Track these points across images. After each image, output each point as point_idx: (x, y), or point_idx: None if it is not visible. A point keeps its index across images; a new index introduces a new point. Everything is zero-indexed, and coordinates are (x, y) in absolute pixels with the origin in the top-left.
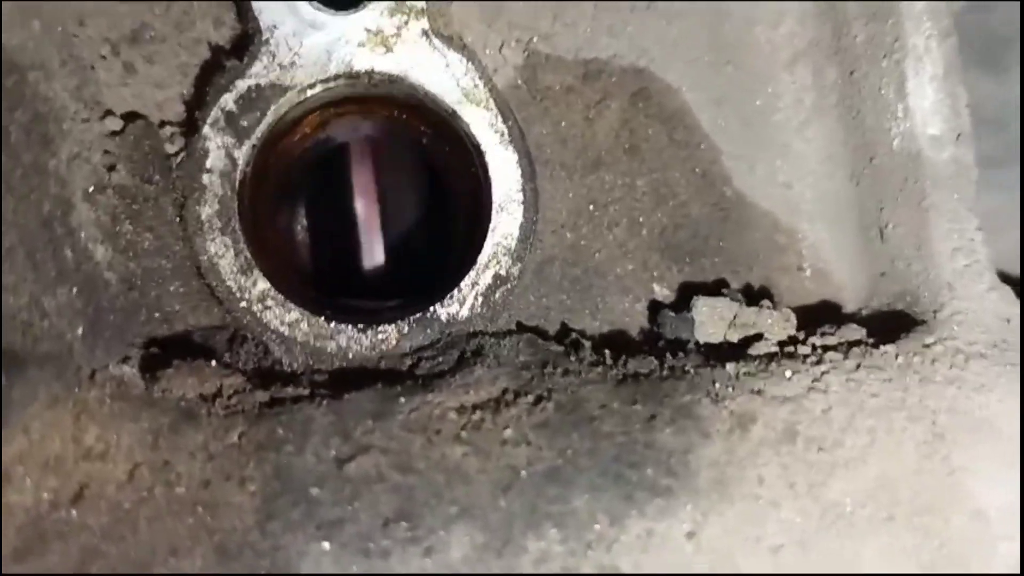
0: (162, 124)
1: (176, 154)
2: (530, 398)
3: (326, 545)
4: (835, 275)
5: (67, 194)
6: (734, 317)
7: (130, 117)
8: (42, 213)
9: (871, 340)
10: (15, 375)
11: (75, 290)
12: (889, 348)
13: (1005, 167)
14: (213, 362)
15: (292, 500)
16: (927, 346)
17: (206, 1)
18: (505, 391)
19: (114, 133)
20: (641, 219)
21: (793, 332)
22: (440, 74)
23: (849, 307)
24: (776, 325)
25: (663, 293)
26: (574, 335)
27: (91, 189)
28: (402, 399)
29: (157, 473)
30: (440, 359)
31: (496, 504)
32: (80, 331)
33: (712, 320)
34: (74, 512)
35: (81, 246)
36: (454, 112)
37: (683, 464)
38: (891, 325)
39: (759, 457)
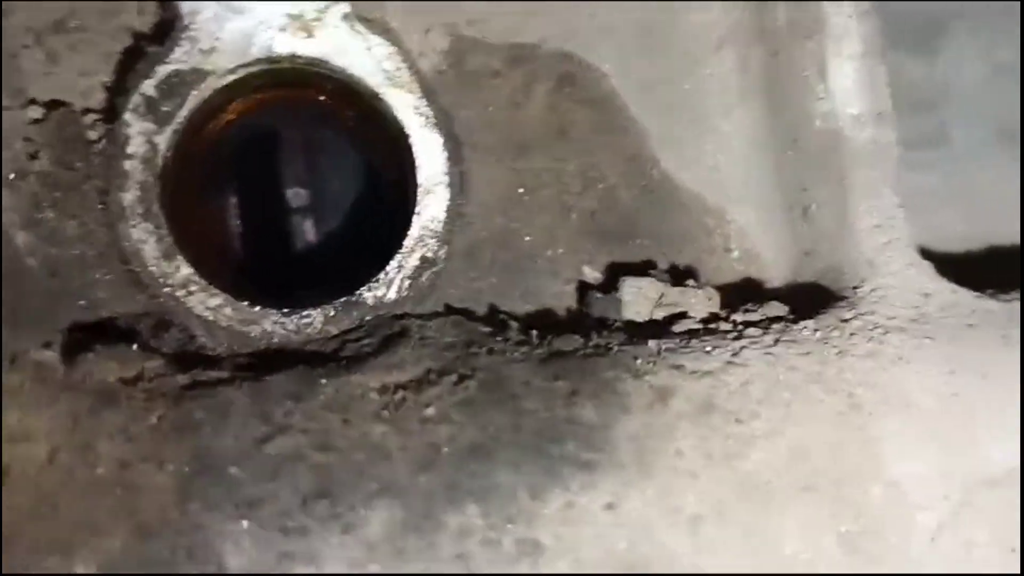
0: (85, 111)
1: (98, 140)
2: (453, 377)
3: (245, 524)
4: (762, 255)
5: None
6: (660, 296)
7: (53, 105)
8: None
9: (792, 316)
10: None
11: None
12: (808, 323)
13: (936, 148)
14: (135, 346)
15: (211, 480)
16: (845, 321)
17: None
18: (429, 371)
19: (36, 121)
20: (570, 203)
21: (716, 310)
22: (362, 58)
23: (775, 285)
24: (699, 303)
25: (593, 275)
26: (501, 316)
27: (11, 176)
28: (324, 380)
29: (77, 455)
30: (365, 341)
31: (416, 481)
32: None
33: (638, 300)
34: None
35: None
36: (377, 95)
37: (604, 438)
38: (814, 302)
39: (678, 430)
